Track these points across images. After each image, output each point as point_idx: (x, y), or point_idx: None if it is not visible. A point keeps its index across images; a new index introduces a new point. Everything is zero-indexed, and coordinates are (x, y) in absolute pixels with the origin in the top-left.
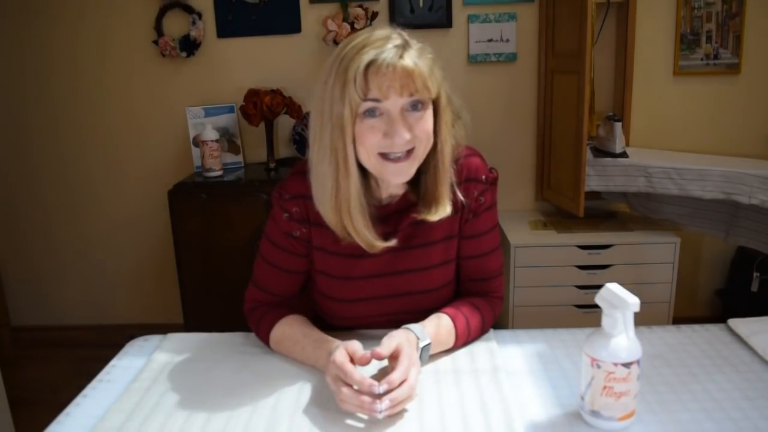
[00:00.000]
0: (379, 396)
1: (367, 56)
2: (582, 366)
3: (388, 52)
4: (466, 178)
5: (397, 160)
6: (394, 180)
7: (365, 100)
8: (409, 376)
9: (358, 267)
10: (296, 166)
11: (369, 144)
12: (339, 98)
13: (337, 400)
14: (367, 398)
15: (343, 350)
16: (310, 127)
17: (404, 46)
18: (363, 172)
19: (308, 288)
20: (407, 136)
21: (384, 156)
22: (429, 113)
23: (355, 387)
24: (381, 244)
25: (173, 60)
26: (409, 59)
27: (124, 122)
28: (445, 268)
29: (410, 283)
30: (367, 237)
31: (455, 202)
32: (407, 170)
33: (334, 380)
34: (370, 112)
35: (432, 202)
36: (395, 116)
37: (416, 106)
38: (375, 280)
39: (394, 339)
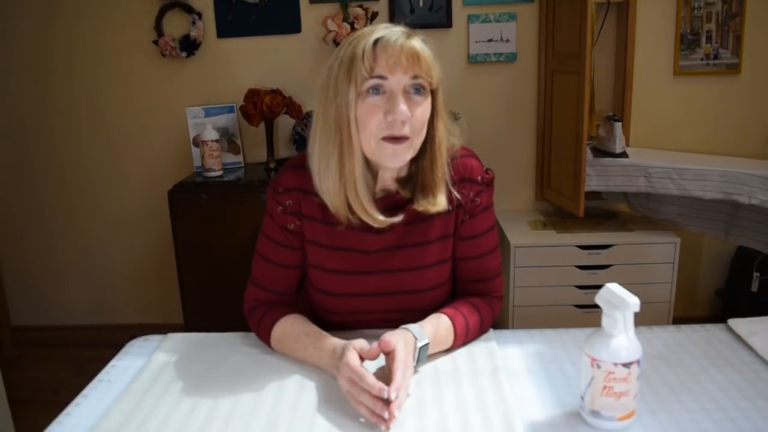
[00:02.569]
0: (388, 402)
1: (375, 35)
2: (582, 366)
3: (396, 33)
4: (461, 178)
5: (395, 141)
6: (391, 163)
7: (372, 76)
8: (404, 380)
9: (352, 262)
10: (290, 161)
11: (372, 126)
12: (345, 77)
13: (352, 402)
14: (383, 405)
15: (354, 351)
16: (315, 108)
17: (412, 34)
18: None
19: (305, 284)
20: (407, 111)
21: (385, 139)
22: (428, 102)
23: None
24: (385, 220)
25: (173, 60)
26: (416, 42)
27: (124, 122)
28: (440, 268)
29: (404, 282)
30: (372, 212)
31: (451, 200)
32: (403, 154)
33: (349, 382)
34: (374, 90)
35: (429, 191)
36: (397, 93)
37: (418, 90)
38: (368, 276)
39: (393, 337)
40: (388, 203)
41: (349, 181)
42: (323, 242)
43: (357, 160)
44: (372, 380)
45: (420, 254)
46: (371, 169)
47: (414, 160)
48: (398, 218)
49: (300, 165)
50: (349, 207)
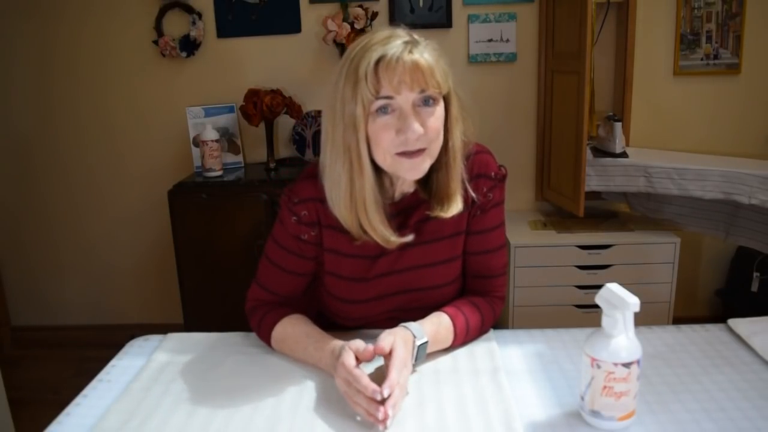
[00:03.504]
0: (382, 402)
1: (376, 53)
2: (582, 366)
3: (397, 48)
4: (476, 174)
5: (411, 155)
6: (409, 176)
7: (378, 98)
8: (400, 378)
9: (371, 268)
10: (305, 170)
11: (385, 144)
12: (351, 97)
13: (349, 402)
14: (378, 406)
15: (350, 352)
16: (323, 128)
17: (411, 42)
18: (375, 169)
19: (313, 287)
20: (420, 129)
21: (400, 154)
22: (440, 109)
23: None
24: (397, 240)
25: (173, 60)
26: (418, 54)
27: (125, 122)
28: (452, 265)
29: (417, 280)
30: (383, 233)
31: (465, 199)
32: (421, 166)
33: (346, 383)
34: (383, 110)
35: (444, 198)
36: (407, 111)
37: (427, 101)
38: (384, 278)
39: (391, 336)
40: (404, 205)
41: (359, 202)
42: (343, 250)
43: (367, 181)
44: (366, 381)
45: (432, 251)
46: (389, 176)
47: (430, 166)
48: (409, 238)
49: (316, 174)
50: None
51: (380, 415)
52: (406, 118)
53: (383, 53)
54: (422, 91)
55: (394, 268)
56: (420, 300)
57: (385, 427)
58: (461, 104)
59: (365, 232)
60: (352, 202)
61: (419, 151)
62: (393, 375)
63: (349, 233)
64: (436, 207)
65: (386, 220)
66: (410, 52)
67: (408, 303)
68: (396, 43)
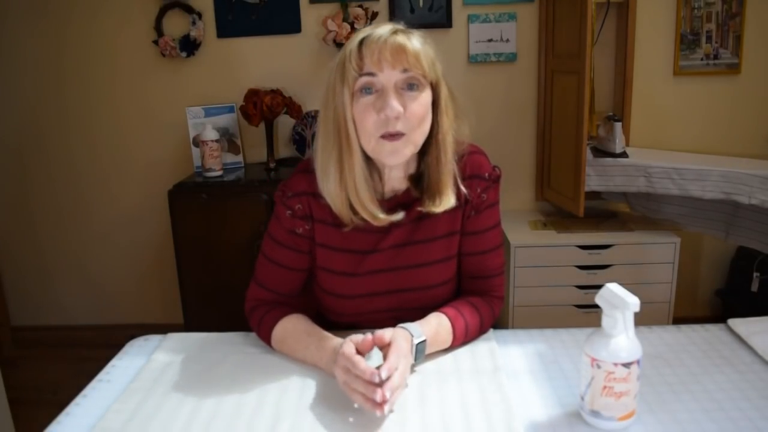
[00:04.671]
0: (380, 384)
1: (363, 34)
2: (582, 366)
3: (384, 30)
4: (469, 175)
5: (392, 138)
6: (390, 161)
7: (361, 75)
8: (399, 365)
9: (362, 263)
10: (299, 165)
11: (369, 126)
12: (340, 78)
13: (348, 392)
14: (375, 388)
15: (351, 343)
16: (319, 115)
17: (401, 30)
18: (365, 160)
19: (311, 285)
20: (398, 107)
21: (383, 137)
22: (424, 96)
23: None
24: (386, 218)
25: (173, 60)
26: (404, 37)
27: (124, 122)
28: (446, 265)
29: (411, 279)
30: (373, 210)
31: (459, 197)
32: (402, 150)
33: (344, 371)
34: (367, 90)
35: (436, 193)
36: (388, 89)
37: (412, 86)
38: (376, 275)
39: (389, 330)
40: (396, 203)
41: (349, 181)
42: (334, 245)
43: (356, 161)
44: (364, 366)
45: (426, 251)
46: (377, 170)
47: (421, 156)
48: (399, 216)
49: (309, 169)
50: (352, 207)
51: (378, 397)
52: (386, 95)
53: (369, 33)
54: (405, 70)
55: (387, 266)
56: (415, 300)
57: (383, 412)
58: (456, 104)
59: (355, 213)
60: (342, 182)
61: (399, 135)
62: (392, 359)
63: (339, 227)
64: (427, 202)
65: (376, 200)
66: (395, 34)
67: (403, 303)
68: (386, 27)
